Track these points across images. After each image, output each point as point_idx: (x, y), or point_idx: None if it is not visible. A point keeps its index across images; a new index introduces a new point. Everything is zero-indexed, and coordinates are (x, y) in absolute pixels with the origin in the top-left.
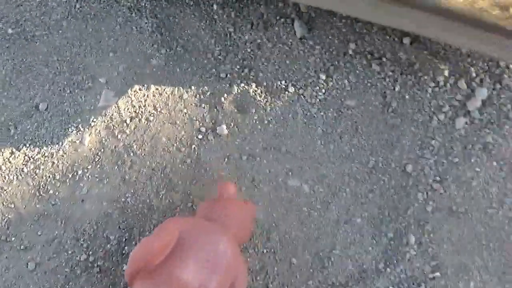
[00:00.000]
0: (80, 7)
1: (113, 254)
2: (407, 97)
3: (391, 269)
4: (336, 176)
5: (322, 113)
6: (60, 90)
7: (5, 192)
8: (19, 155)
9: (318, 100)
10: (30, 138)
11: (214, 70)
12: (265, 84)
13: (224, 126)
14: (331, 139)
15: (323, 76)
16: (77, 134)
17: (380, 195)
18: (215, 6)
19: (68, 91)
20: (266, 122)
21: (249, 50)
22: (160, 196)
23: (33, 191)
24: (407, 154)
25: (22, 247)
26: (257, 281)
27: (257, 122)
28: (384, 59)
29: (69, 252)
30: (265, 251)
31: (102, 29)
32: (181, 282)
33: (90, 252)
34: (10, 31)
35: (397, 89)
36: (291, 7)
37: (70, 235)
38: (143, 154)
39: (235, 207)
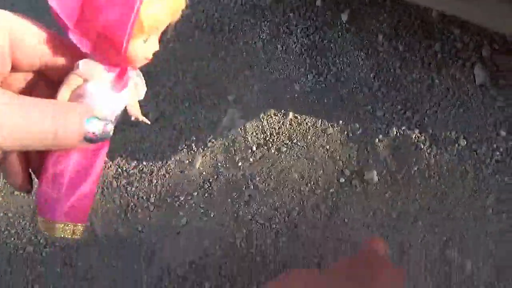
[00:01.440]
0: (220, 17)
1: None
2: None
3: None
4: (508, 255)
5: (497, 177)
6: (176, 101)
7: None
8: (110, 166)
9: (494, 160)
10: (129, 148)
11: (369, 107)
12: (431, 131)
13: (375, 172)
14: (506, 209)
15: (503, 133)
16: (187, 153)
17: None
18: (380, 37)
19: (187, 104)
20: (427, 176)
21: (415, 90)
22: (280, 244)
23: (118, 211)
24: None
25: (88, 276)
26: None
27: (416, 174)
28: None
29: None
30: None
31: (240, 44)
32: None
33: None
34: None
35: None
36: (471, 51)
37: (153, 273)
38: (266, 190)
39: (384, 270)
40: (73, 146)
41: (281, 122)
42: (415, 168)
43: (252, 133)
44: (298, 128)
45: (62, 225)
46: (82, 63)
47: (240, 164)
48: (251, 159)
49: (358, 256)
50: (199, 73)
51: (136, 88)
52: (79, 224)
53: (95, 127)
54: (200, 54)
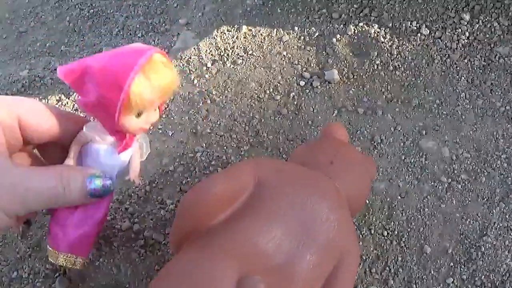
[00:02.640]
0: None
1: (167, 223)
2: None
3: None
4: (487, 139)
5: (466, 61)
6: (130, 34)
7: None
8: (67, 102)
9: (460, 45)
10: None
11: (324, 10)
12: (390, 25)
13: (335, 71)
14: (479, 93)
15: (466, 17)
16: None
17: None
18: None
19: (140, 34)
20: (391, 68)
21: None
22: (242, 152)
23: None
24: None
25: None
26: (371, 275)
27: (380, 68)
28: None
29: (108, 218)
30: (385, 233)
31: None
32: (256, 252)
33: (136, 220)
34: None
35: None
36: None
37: (113, 197)
38: (224, 102)
39: (349, 154)
40: (81, 202)
41: (235, 37)
42: (378, 62)
43: (206, 50)
44: (253, 40)
45: (65, 255)
46: (86, 126)
47: (195, 82)
48: (206, 76)
49: (317, 142)
50: (149, 5)
51: (139, 149)
52: (80, 256)
53: (95, 184)
54: None
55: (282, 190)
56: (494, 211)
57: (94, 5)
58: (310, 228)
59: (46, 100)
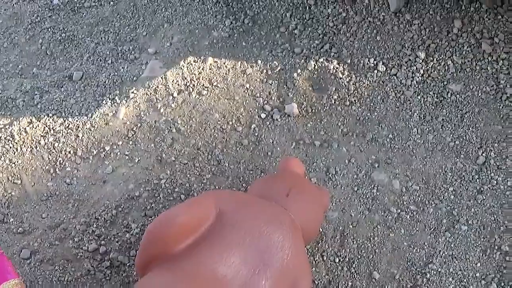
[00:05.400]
0: None
1: (132, 246)
2: None
3: None
4: (435, 173)
5: (419, 97)
6: (100, 60)
7: (13, 165)
8: (38, 125)
9: (414, 82)
10: (55, 108)
11: (287, 45)
12: (349, 61)
13: (294, 105)
14: (431, 128)
15: (421, 55)
16: (111, 106)
17: (492, 197)
18: None
19: (110, 61)
20: (348, 103)
21: (331, 24)
22: (204, 180)
23: (47, 167)
24: None
25: (20, 229)
26: None
27: (337, 102)
28: (496, 40)
29: (75, 240)
30: (337, 260)
31: (158, 0)
32: (215, 277)
33: (102, 242)
34: (56, 1)
35: None
36: None
37: (81, 220)
38: (188, 131)
39: (304, 187)
40: None
41: (201, 68)
42: (335, 97)
43: (173, 80)
44: (218, 72)
45: None
46: None
47: (162, 110)
48: (172, 105)
49: (274, 175)
50: (120, 32)
51: None
52: None
53: None
54: (121, 14)
55: (241, 221)
56: (440, 240)
57: (66, 29)
58: (266, 256)
59: (18, 122)
